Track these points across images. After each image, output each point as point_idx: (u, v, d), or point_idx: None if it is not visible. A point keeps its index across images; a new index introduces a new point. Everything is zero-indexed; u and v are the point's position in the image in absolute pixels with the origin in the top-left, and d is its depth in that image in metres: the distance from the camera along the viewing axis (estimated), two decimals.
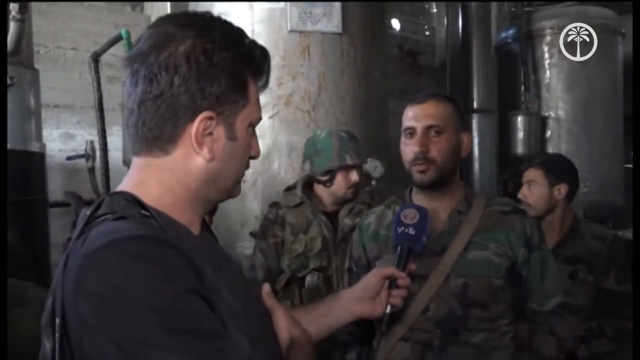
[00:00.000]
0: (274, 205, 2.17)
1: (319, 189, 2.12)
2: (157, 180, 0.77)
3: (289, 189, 2.20)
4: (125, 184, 0.78)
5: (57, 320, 0.67)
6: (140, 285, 0.63)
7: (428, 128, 1.33)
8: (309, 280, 2.04)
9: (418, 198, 1.40)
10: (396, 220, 1.21)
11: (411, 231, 1.17)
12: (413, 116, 1.36)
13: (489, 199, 1.43)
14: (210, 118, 0.75)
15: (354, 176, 2.04)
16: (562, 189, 2.16)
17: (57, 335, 0.67)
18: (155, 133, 0.75)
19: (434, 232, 1.33)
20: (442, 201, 1.38)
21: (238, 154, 0.80)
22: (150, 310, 0.62)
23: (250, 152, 0.83)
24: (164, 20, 0.78)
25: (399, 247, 1.17)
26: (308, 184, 2.15)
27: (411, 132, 1.35)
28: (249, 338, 0.74)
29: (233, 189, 0.83)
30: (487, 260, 1.32)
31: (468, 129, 1.50)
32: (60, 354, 0.67)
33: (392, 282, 1.11)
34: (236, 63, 0.76)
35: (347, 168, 2.04)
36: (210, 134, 0.76)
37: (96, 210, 0.74)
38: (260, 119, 0.83)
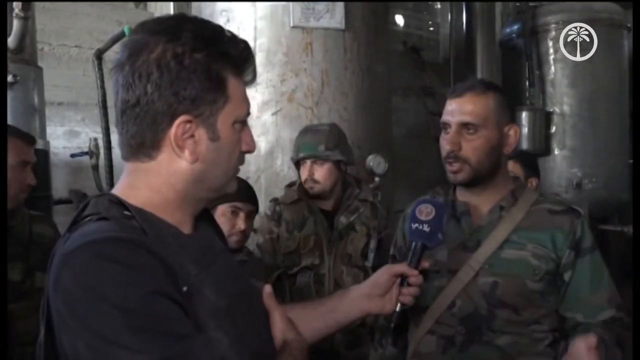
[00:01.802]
0: (273, 201, 2.17)
1: None
2: (145, 183, 0.78)
3: (291, 185, 2.20)
4: (117, 187, 0.81)
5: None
6: (109, 286, 0.66)
7: (462, 125, 1.26)
8: (299, 278, 2.03)
9: (460, 191, 1.35)
10: (411, 215, 1.16)
11: (425, 228, 1.13)
12: (449, 111, 1.28)
13: (542, 197, 1.34)
14: (188, 121, 0.75)
15: (304, 171, 2.04)
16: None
17: (44, 326, 0.71)
18: (138, 140, 0.77)
19: (471, 226, 1.29)
20: (484, 196, 1.31)
21: (224, 153, 0.80)
22: (117, 310, 0.65)
23: (240, 147, 0.82)
24: (138, 28, 0.79)
25: (412, 244, 1.12)
26: None
27: (446, 127, 1.29)
28: (231, 336, 0.75)
29: (225, 187, 0.84)
30: (522, 261, 1.23)
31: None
32: (47, 344, 0.72)
33: (403, 280, 1.08)
34: (210, 63, 0.76)
35: (301, 163, 2.05)
36: (192, 136, 0.76)
37: (82, 211, 0.76)
38: (248, 114, 0.83)
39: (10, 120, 2.22)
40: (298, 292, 2.02)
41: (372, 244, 2.04)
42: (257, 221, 2.09)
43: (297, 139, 2.11)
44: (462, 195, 1.34)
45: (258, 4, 2.69)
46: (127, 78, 0.74)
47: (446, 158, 1.28)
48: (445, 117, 1.29)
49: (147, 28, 0.77)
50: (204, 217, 0.88)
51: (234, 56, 0.79)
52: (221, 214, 1.75)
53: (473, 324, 1.25)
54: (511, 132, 1.30)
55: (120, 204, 0.75)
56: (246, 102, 0.82)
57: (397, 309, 1.07)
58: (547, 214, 1.28)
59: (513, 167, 2.34)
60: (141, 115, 0.75)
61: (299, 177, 2.12)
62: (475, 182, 1.29)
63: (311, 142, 2.03)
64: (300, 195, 2.08)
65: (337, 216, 2.06)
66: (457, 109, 1.27)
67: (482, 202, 1.31)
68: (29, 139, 1.81)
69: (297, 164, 2.11)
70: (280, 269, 2.06)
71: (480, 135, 1.25)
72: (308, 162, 2.02)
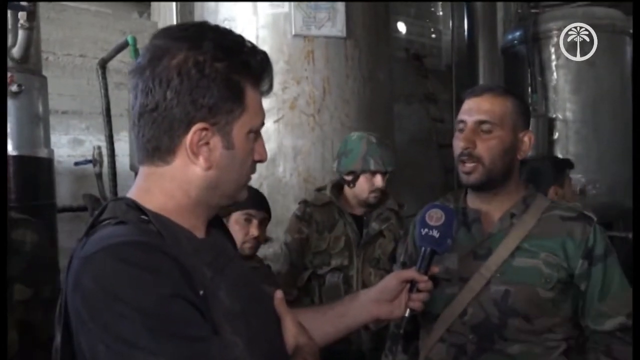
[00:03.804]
0: (303, 202, 2.20)
1: (347, 190, 2.14)
2: (160, 187, 0.79)
3: (320, 189, 2.23)
4: (132, 191, 0.81)
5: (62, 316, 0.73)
6: (127, 289, 0.67)
7: (478, 124, 1.25)
8: (329, 278, 2.07)
9: (470, 198, 1.34)
10: (420, 221, 1.15)
11: (435, 233, 1.11)
12: (466, 109, 1.28)
13: (554, 203, 1.32)
14: (204, 129, 0.76)
15: (378, 182, 2.05)
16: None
17: (61, 329, 0.73)
18: (154, 144, 0.78)
19: (482, 234, 1.29)
20: (495, 202, 1.30)
21: (237, 162, 0.81)
22: (135, 312, 0.66)
23: (253, 157, 0.83)
24: (160, 33, 0.80)
25: (422, 249, 1.11)
26: (339, 184, 2.18)
27: (461, 126, 1.28)
28: (246, 339, 0.76)
29: (237, 194, 0.85)
30: (534, 269, 1.22)
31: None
32: (64, 347, 0.73)
33: (412, 286, 1.07)
34: (230, 72, 0.77)
35: (372, 173, 2.05)
36: (207, 143, 0.77)
37: (100, 214, 0.78)
38: (262, 124, 0.84)
39: (15, 129, 2.24)
40: (327, 292, 2.06)
41: (400, 250, 2.08)
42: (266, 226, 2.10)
43: (379, 151, 2.06)
44: (472, 202, 1.33)
45: (260, 12, 2.72)
46: (147, 82, 0.75)
47: (460, 156, 1.26)
48: (462, 116, 1.28)
49: (169, 34, 0.78)
50: (216, 223, 0.89)
51: (253, 67, 0.80)
52: (234, 221, 1.78)
53: (485, 332, 1.24)
54: (526, 139, 1.29)
55: (137, 208, 0.76)
56: (262, 113, 0.83)
57: (406, 314, 1.06)
58: (559, 221, 1.26)
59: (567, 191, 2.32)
60: (158, 120, 0.76)
61: (348, 181, 2.11)
62: (488, 185, 1.27)
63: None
64: (333, 198, 2.12)
65: (369, 222, 2.11)
66: (474, 108, 1.26)
67: (493, 209, 1.30)
68: None
69: (355, 171, 2.09)
70: (310, 269, 2.10)
71: (496, 135, 1.24)
72: (380, 174, 2.05)
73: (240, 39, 0.80)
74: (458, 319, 1.26)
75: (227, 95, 0.77)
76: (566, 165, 2.46)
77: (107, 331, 0.66)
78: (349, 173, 2.09)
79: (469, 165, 1.25)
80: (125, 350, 0.65)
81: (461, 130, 1.28)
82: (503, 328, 1.22)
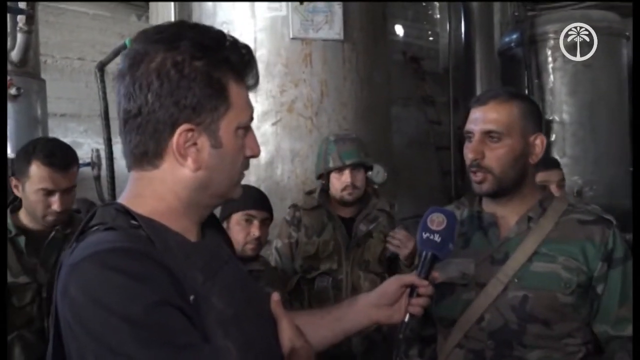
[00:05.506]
0: (293, 207, 2.21)
1: (330, 192, 2.15)
2: (151, 191, 0.79)
3: (310, 192, 2.24)
4: (123, 196, 0.81)
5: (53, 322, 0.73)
6: (115, 296, 0.66)
7: (485, 134, 1.23)
8: (318, 283, 2.07)
9: (486, 202, 1.32)
10: (422, 225, 1.14)
11: (436, 238, 1.11)
12: (472, 119, 1.26)
13: (572, 206, 1.29)
14: (190, 130, 0.75)
15: (346, 178, 2.06)
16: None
17: (52, 336, 0.72)
18: (141, 150, 0.77)
19: (499, 238, 1.27)
20: (510, 206, 1.28)
21: (227, 160, 0.79)
22: (123, 320, 0.65)
23: (244, 153, 0.82)
24: (138, 37, 0.79)
25: (423, 254, 1.10)
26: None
27: (469, 136, 1.27)
28: (239, 344, 0.75)
29: (230, 192, 0.83)
30: (553, 274, 1.20)
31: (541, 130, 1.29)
32: (55, 354, 0.72)
33: (412, 290, 1.06)
34: (210, 70, 0.75)
35: (338, 170, 2.06)
36: (194, 144, 0.76)
37: (89, 221, 0.77)
38: (251, 119, 0.82)
39: (13, 132, 2.25)
40: (316, 296, 2.06)
41: (389, 252, 2.08)
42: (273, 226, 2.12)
43: (335, 147, 2.08)
44: (488, 206, 1.31)
45: (258, 15, 2.73)
46: (128, 88, 0.75)
47: (470, 167, 1.25)
48: (469, 126, 1.27)
49: (146, 37, 0.77)
50: (211, 224, 0.88)
51: (235, 62, 0.78)
52: (235, 222, 1.78)
53: (503, 338, 1.22)
54: (537, 142, 1.26)
55: (127, 213, 0.75)
56: (249, 108, 0.82)
57: (406, 319, 1.06)
58: (577, 224, 1.24)
59: (559, 175, 2.33)
60: (143, 125, 0.75)
61: (324, 184, 2.14)
62: (501, 193, 1.26)
63: (354, 150, 2.10)
64: (321, 202, 2.13)
65: (356, 224, 2.11)
66: (480, 117, 1.25)
67: (509, 212, 1.28)
68: (59, 166, 1.66)
69: (323, 173, 2.13)
70: (299, 274, 2.10)
71: (504, 144, 1.23)
72: (348, 169, 2.05)
73: (219, 36, 0.78)
74: (475, 325, 1.24)
75: (209, 93, 0.75)
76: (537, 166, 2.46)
77: (95, 340, 0.65)
78: (319, 177, 2.14)
79: (480, 176, 1.24)
80: (113, 358, 0.65)
81: (469, 140, 1.27)
82: (522, 334, 1.21)
